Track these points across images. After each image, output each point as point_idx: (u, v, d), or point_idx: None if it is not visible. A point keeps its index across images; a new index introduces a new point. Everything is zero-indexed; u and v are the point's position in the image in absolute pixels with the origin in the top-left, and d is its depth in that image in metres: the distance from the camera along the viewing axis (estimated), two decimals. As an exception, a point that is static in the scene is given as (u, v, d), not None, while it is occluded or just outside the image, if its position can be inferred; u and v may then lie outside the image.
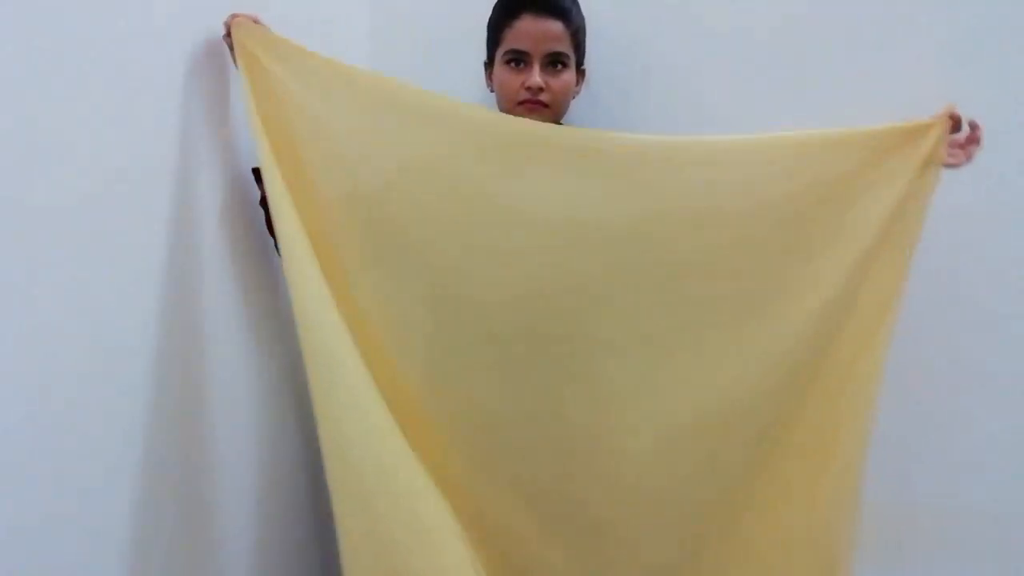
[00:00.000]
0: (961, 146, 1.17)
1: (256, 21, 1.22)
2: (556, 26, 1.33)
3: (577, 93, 1.42)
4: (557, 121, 1.39)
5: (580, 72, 1.41)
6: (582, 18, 1.39)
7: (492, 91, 1.42)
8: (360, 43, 1.72)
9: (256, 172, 1.25)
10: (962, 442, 1.44)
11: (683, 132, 1.30)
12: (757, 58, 1.50)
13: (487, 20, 1.41)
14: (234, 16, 1.20)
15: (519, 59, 1.33)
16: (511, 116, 1.31)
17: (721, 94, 1.53)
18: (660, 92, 1.53)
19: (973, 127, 1.17)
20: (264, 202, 1.24)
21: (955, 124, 1.16)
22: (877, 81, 1.44)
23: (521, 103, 1.33)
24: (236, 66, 1.20)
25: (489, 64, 1.42)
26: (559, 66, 1.34)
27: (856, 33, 1.45)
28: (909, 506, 1.46)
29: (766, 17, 1.49)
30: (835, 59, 1.47)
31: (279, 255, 1.20)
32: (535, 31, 1.32)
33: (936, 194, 1.17)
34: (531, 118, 1.29)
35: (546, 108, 1.33)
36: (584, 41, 1.40)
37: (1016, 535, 1.42)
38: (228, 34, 1.21)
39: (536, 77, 1.32)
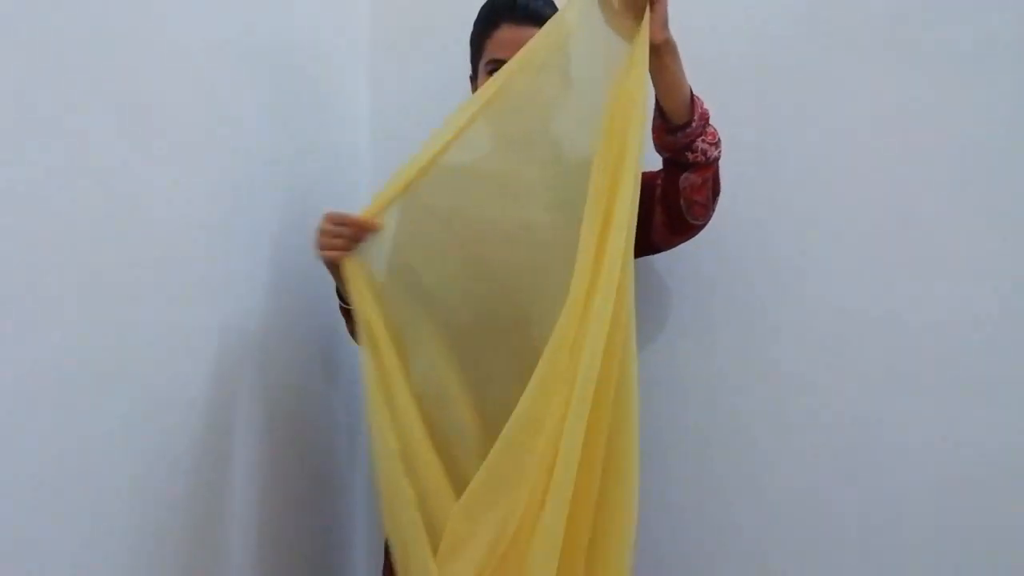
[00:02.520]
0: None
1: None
2: (536, 31, 1.28)
3: None
4: None
5: None
6: None
7: None
8: (359, 44, 1.73)
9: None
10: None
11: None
12: (757, 61, 1.52)
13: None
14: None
15: (500, 68, 1.27)
16: None
17: (722, 94, 1.52)
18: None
19: None
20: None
21: None
22: (876, 82, 1.47)
23: None
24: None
25: (474, 77, 1.39)
26: None
27: (857, 34, 1.48)
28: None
29: (764, 20, 1.52)
30: (836, 59, 1.49)
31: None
32: (515, 39, 1.27)
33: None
34: None
35: None
36: None
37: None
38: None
39: None
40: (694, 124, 1.19)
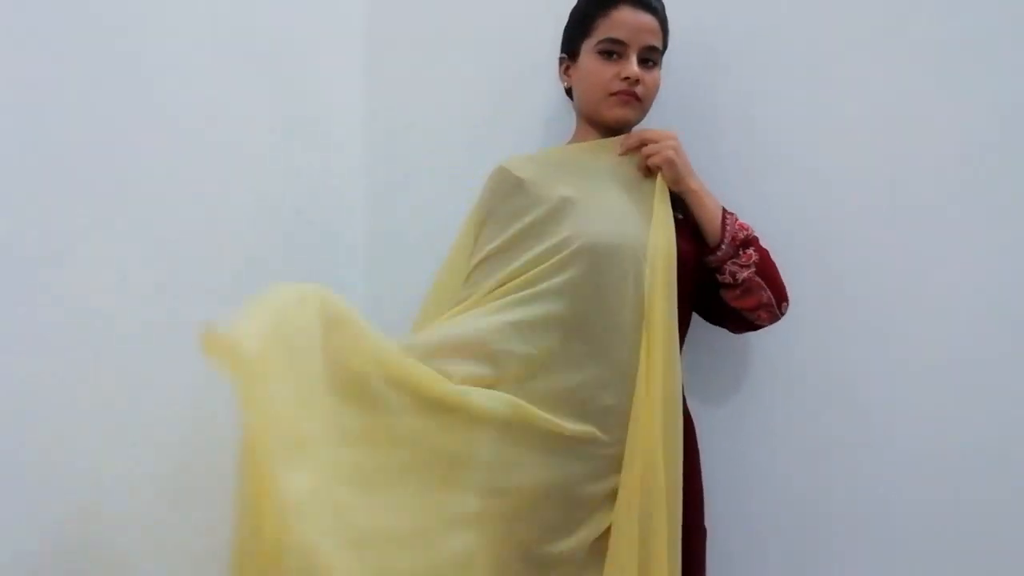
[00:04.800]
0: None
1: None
2: (652, 21, 1.30)
3: None
4: (642, 120, 1.35)
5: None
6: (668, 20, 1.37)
7: (567, 85, 1.38)
8: (356, 45, 1.72)
9: None
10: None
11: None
12: (756, 60, 1.52)
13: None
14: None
15: (614, 50, 1.28)
16: None
17: (725, 94, 1.53)
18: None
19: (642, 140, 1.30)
20: None
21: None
22: (873, 82, 1.48)
23: (614, 94, 1.28)
24: None
25: (570, 57, 1.36)
26: (650, 63, 1.31)
27: (854, 34, 1.48)
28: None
29: (771, 20, 1.51)
30: (834, 56, 1.49)
31: None
32: (634, 22, 1.28)
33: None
34: (622, 112, 1.28)
35: (639, 102, 1.30)
36: (668, 43, 1.37)
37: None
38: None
39: (634, 67, 1.27)
40: (721, 250, 1.28)
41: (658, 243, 1.22)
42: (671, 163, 1.26)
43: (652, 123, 1.40)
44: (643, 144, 1.29)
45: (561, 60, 1.38)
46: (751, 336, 1.48)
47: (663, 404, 1.18)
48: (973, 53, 1.44)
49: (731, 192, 1.38)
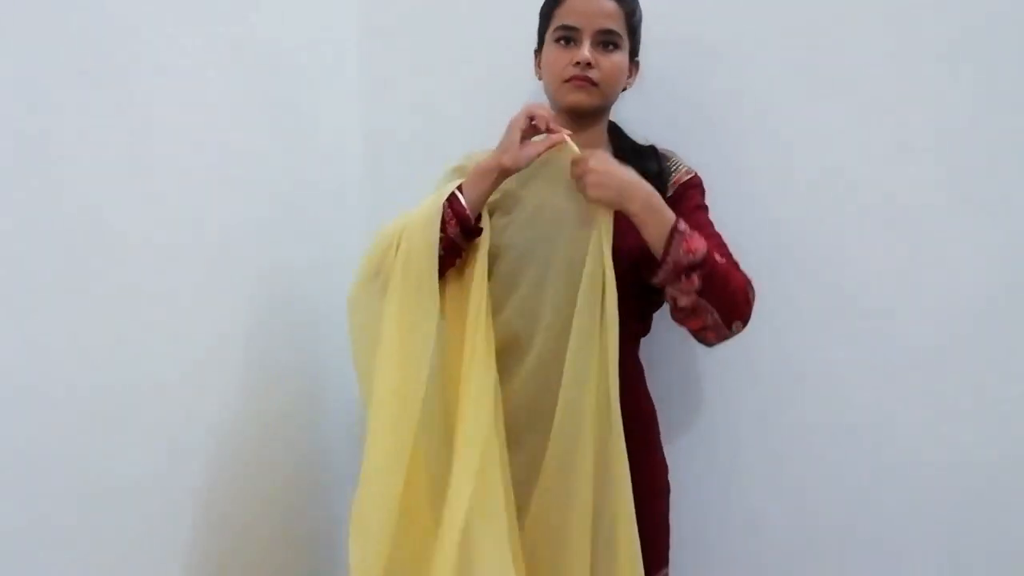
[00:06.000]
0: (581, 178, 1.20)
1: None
2: (609, 4, 1.29)
3: (629, 85, 1.37)
4: (605, 106, 1.34)
5: (634, 63, 1.36)
6: (638, 5, 1.35)
7: (540, 79, 1.38)
8: (350, 44, 1.73)
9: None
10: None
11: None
12: (759, 60, 1.51)
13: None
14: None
15: (569, 36, 1.29)
16: None
17: (723, 95, 1.54)
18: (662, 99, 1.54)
19: (574, 162, 1.21)
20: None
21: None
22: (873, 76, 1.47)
23: (568, 80, 1.28)
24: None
25: (539, 49, 1.38)
26: (611, 47, 1.29)
27: (854, 32, 1.48)
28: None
29: (768, 20, 1.51)
30: (833, 58, 1.49)
31: None
32: (587, 7, 1.28)
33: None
34: (576, 97, 1.28)
35: (595, 87, 1.28)
36: (639, 30, 1.35)
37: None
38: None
39: (585, 51, 1.27)
40: (659, 276, 1.19)
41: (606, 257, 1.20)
42: (602, 200, 1.19)
43: (649, 121, 1.44)
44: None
45: (535, 54, 1.39)
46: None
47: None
48: (973, 51, 1.41)
49: (728, 191, 1.39)
